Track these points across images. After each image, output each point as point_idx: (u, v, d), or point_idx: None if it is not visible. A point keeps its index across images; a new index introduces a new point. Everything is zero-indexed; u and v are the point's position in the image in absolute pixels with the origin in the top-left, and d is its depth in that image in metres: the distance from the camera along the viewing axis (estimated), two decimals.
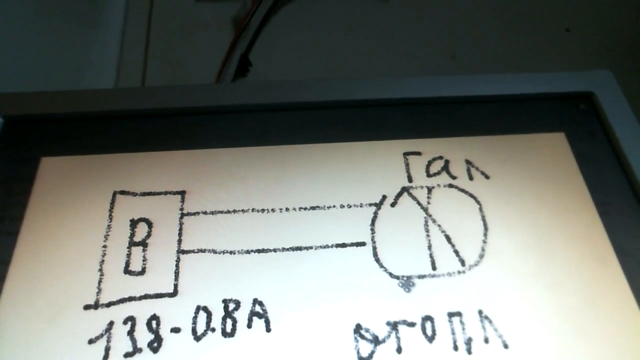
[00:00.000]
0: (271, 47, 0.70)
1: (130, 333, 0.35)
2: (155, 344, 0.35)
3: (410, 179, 0.42)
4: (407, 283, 0.37)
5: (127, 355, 0.34)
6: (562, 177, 0.42)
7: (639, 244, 0.39)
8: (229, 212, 0.41)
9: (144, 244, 0.39)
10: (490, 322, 0.36)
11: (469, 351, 0.35)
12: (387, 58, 0.69)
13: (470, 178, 0.42)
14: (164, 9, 0.73)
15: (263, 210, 0.41)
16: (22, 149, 0.44)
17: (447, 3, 0.73)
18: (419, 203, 0.41)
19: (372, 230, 0.40)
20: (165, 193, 0.41)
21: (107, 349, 0.34)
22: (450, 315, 0.36)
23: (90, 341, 0.35)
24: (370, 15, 0.72)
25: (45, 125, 0.45)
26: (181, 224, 0.40)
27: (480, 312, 0.36)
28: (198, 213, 0.40)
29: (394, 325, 0.36)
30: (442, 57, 0.69)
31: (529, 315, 0.36)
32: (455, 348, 0.35)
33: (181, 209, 0.41)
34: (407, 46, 0.69)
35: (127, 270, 0.38)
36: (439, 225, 0.40)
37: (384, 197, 0.41)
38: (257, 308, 0.36)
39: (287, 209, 0.41)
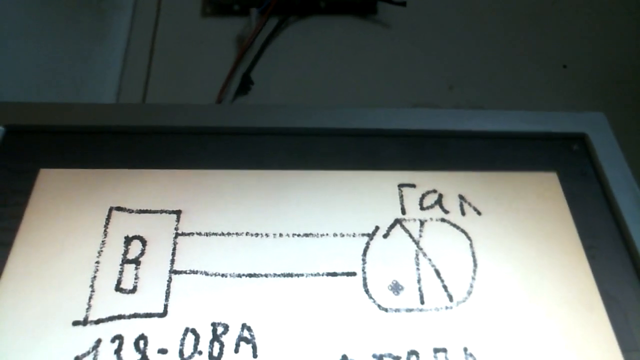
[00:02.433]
0: (274, 68, 0.71)
1: (117, 352, 0.35)
2: None
3: (403, 211, 0.43)
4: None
5: None
6: (553, 218, 0.43)
7: (624, 289, 0.40)
8: (223, 234, 0.41)
9: (136, 262, 0.39)
10: (475, 359, 0.36)
11: None
12: (387, 84, 0.70)
13: (463, 213, 0.43)
14: (170, 24, 0.74)
15: (257, 234, 0.41)
16: (22, 159, 0.44)
17: (447, 35, 0.74)
18: (410, 236, 0.42)
19: (364, 260, 0.40)
20: (161, 212, 0.42)
21: None
22: (436, 350, 0.36)
23: (77, 358, 0.35)
24: (372, 44, 0.73)
25: (45, 137, 0.45)
26: (175, 243, 0.40)
27: (465, 350, 0.36)
28: (192, 234, 0.41)
29: (379, 358, 0.36)
30: (441, 87, 0.70)
31: (513, 355, 0.37)
32: None
33: (176, 229, 0.41)
34: (407, 74, 0.71)
35: (118, 288, 0.38)
36: (430, 260, 0.41)
37: (377, 228, 0.42)
38: (245, 333, 0.36)
39: (280, 235, 0.41)
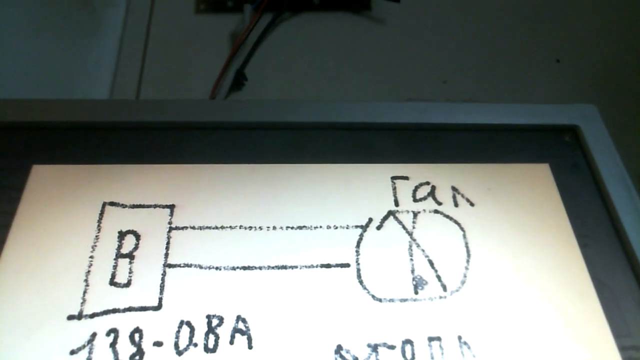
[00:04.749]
0: (267, 64, 0.71)
1: (113, 345, 0.35)
2: (137, 357, 0.35)
3: (396, 203, 0.43)
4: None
5: None
6: (545, 208, 0.43)
7: (616, 277, 0.40)
8: (216, 227, 0.41)
9: (130, 256, 0.39)
10: (469, 347, 0.36)
11: None
12: (381, 79, 0.70)
13: (456, 204, 0.43)
14: (163, 20, 0.74)
15: (250, 227, 0.41)
16: (14, 155, 0.44)
17: (441, 30, 0.74)
18: (404, 227, 0.42)
19: (357, 252, 0.40)
20: (155, 206, 0.42)
21: None
22: (430, 339, 0.37)
23: (72, 352, 0.35)
24: (367, 38, 0.73)
25: (38, 133, 0.45)
26: (169, 237, 0.40)
27: (459, 338, 0.37)
28: (186, 227, 0.41)
29: (374, 348, 0.36)
30: (435, 82, 0.70)
31: (506, 343, 0.37)
32: None
33: (170, 223, 0.41)
34: (402, 68, 0.71)
35: (112, 282, 0.38)
36: (423, 250, 0.41)
37: (370, 219, 0.42)
38: (240, 325, 0.36)
39: (274, 228, 0.41)
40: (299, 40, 0.73)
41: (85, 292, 0.37)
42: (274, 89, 0.68)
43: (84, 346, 0.35)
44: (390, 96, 0.68)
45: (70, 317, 0.36)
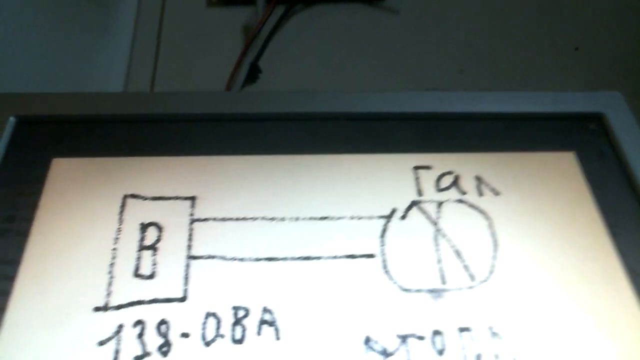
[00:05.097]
0: (281, 56, 0.70)
1: (140, 336, 0.35)
2: (165, 348, 0.34)
3: (420, 193, 0.43)
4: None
5: (136, 358, 0.34)
6: (572, 197, 0.43)
7: None
8: (238, 219, 0.41)
9: (153, 248, 0.39)
10: (501, 338, 0.36)
11: None
12: (396, 70, 0.69)
13: (480, 194, 0.43)
14: (176, 14, 0.74)
15: (273, 218, 0.41)
16: (34, 149, 0.44)
17: (457, 18, 0.73)
18: (428, 217, 0.41)
19: (382, 242, 0.40)
20: (176, 198, 0.42)
21: (117, 352, 0.34)
22: (461, 330, 0.36)
23: (101, 343, 0.34)
24: (381, 29, 0.72)
25: (57, 127, 0.45)
26: (191, 229, 0.40)
27: (490, 328, 0.36)
28: (208, 219, 0.41)
29: (403, 339, 0.36)
30: (451, 71, 0.69)
31: (539, 333, 0.36)
32: None
33: (191, 215, 0.41)
34: (417, 59, 0.70)
35: (136, 274, 0.38)
36: (449, 240, 0.40)
37: (394, 210, 0.42)
38: (267, 316, 0.36)
39: (297, 219, 0.41)
40: (313, 32, 0.72)
41: (110, 284, 0.37)
42: (289, 81, 0.68)
43: (111, 337, 0.35)
44: (406, 87, 0.68)
45: (97, 309, 0.36)
